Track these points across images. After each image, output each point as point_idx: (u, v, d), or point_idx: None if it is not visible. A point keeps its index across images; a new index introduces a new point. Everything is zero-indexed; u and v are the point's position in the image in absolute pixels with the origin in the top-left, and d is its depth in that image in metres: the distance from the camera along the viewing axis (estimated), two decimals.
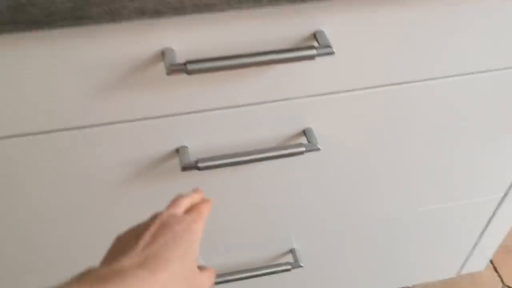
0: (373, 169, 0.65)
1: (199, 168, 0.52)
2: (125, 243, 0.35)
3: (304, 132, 0.56)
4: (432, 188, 0.72)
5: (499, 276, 1.14)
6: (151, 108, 0.49)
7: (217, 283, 0.72)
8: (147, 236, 0.35)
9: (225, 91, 0.49)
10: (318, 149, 0.54)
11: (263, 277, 0.74)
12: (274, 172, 0.61)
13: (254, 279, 0.74)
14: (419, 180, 0.70)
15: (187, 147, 0.54)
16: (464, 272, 0.98)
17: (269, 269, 0.74)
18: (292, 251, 0.77)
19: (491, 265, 1.16)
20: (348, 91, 0.53)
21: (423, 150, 0.65)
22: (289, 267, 0.74)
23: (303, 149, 0.54)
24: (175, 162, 0.55)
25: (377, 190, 0.69)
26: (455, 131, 0.63)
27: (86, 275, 0.31)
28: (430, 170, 0.69)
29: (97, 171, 0.54)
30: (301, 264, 0.75)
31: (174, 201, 0.40)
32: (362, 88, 0.54)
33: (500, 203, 0.81)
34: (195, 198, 0.42)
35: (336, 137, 0.58)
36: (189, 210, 0.40)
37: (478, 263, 0.98)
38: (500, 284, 1.12)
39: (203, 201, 0.42)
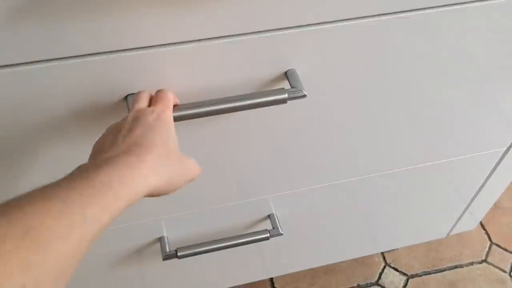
0: (364, 119, 0.56)
1: None
2: (104, 142, 0.37)
3: (287, 75, 0.45)
4: (429, 141, 0.63)
5: (487, 234, 1.09)
6: (86, 44, 0.37)
7: (188, 255, 0.62)
8: (124, 131, 0.37)
9: (183, 20, 0.38)
10: (304, 96, 0.44)
11: (239, 247, 0.65)
12: (250, 123, 0.50)
13: (228, 249, 0.65)
14: (417, 131, 0.61)
15: None
16: (453, 233, 0.92)
17: (245, 238, 0.64)
18: (270, 216, 0.68)
19: (478, 223, 1.11)
20: (339, 20, 0.42)
21: (420, 95, 0.55)
22: (267, 235, 0.65)
23: (286, 95, 0.43)
24: (125, 112, 0.43)
25: (367, 144, 0.60)
26: (457, 74, 0.53)
27: (78, 169, 0.32)
28: (427, 120, 0.59)
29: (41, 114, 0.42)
30: (281, 232, 0.66)
31: (136, 98, 0.41)
32: (357, 18, 0.43)
33: (500, 159, 0.73)
34: (152, 90, 0.42)
35: (325, 80, 0.48)
36: (153, 102, 0.41)
37: (468, 224, 0.91)
38: (488, 242, 1.07)
39: (161, 91, 0.42)
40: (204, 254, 0.63)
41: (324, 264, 0.87)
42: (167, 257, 0.62)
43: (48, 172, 0.48)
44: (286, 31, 0.42)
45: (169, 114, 0.40)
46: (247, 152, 0.55)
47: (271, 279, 0.99)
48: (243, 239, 0.65)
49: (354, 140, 0.59)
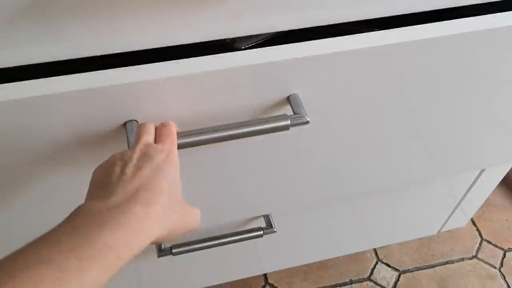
0: (367, 142, 0.54)
1: None
2: (109, 173, 0.35)
3: (289, 100, 0.43)
4: (429, 158, 0.62)
5: (478, 230, 1.10)
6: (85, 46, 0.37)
7: (182, 252, 0.63)
8: (131, 166, 0.35)
9: (178, 26, 0.38)
10: (307, 122, 0.42)
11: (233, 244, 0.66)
12: (250, 146, 0.48)
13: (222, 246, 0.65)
14: (419, 149, 0.59)
15: (136, 121, 0.41)
16: (444, 229, 0.93)
17: (239, 235, 0.65)
18: (264, 215, 0.68)
19: (469, 220, 1.12)
20: (341, 27, 0.42)
21: (423, 117, 0.53)
22: (261, 232, 0.66)
23: (288, 122, 0.41)
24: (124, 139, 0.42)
25: (368, 163, 0.59)
26: (459, 96, 0.51)
27: (79, 216, 0.31)
28: (429, 138, 0.57)
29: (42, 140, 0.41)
30: (275, 229, 0.67)
31: (142, 130, 0.39)
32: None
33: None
34: (154, 123, 0.41)
35: (328, 105, 0.46)
36: (158, 136, 0.39)
37: (460, 221, 0.93)
38: (479, 239, 1.09)
39: (166, 126, 0.40)
40: (198, 251, 0.64)
41: (317, 260, 0.88)
42: (162, 254, 0.63)
43: (46, 198, 0.47)
44: (288, 56, 0.40)
45: (176, 153, 0.38)
46: (246, 173, 0.53)
47: (265, 275, 1.00)
48: (237, 236, 0.65)
49: (356, 163, 0.57)
